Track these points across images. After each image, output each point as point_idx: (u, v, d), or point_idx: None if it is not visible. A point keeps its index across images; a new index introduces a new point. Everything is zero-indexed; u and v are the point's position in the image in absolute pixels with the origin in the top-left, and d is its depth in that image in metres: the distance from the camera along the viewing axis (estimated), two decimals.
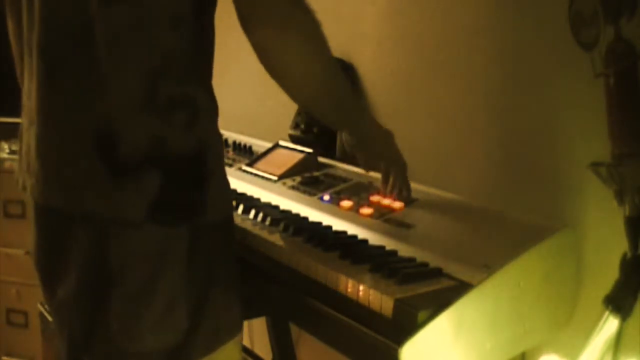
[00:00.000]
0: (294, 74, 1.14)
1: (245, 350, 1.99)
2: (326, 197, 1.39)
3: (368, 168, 1.39)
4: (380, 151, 1.32)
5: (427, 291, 1.01)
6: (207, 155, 1.07)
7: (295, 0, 1.09)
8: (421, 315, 0.94)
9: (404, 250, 1.15)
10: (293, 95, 1.18)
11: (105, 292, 1.05)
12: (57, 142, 1.07)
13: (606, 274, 1.08)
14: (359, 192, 1.39)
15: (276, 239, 1.23)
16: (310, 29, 1.12)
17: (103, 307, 1.05)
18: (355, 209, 1.32)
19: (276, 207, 1.40)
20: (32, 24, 1.07)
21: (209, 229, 1.08)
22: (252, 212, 1.34)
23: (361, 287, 1.02)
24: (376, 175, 1.43)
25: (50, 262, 1.14)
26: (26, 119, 1.13)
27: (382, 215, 1.28)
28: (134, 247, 1.03)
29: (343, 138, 1.40)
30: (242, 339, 1.18)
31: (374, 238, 1.21)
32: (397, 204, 1.30)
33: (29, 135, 1.11)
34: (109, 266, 1.04)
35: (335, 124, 1.33)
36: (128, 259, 1.04)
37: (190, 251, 1.05)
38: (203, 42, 1.06)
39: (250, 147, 1.79)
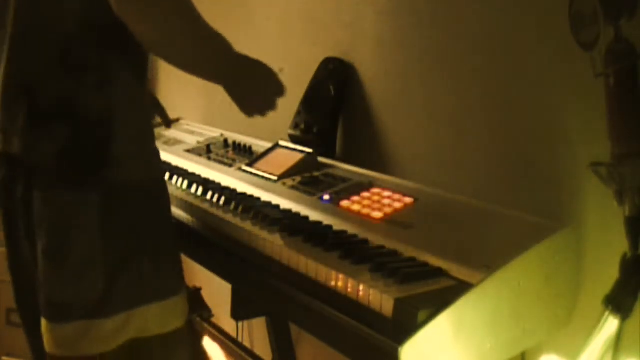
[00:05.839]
0: (161, 45, 1.18)
1: (246, 350, 2.00)
2: (326, 197, 1.39)
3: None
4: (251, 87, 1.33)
5: (427, 291, 1.01)
6: (114, 118, 1.16)
7: None
8: (421, 315, 0.94)
9: (404, 250, 1.15)
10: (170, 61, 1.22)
11: (35, 245, 1.18)
12: None
13: (606, 274, 1.08)
14: (359, 192, 1.39)
15: (276, 239, 1.23)
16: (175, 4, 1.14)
17: (35, 259, 1.19)
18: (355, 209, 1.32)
19: (276, 207, 1.40)
20: None
21: (122, 194, 1.16)
22: (252, 212, 1.34)
23: (361, 287, 1.02)
24: (376, 175, 1.44)
25: (5, 211, 1.27)
26: None
27: (382, 215, 1.27)
28: (45, 209, 1.16)
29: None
30: (177, 305, 1.24)
31: (373, 238, 1.21)
32: (398, 204, 1.29)
33: None
34: (32, 218, 1.18)
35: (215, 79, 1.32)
36: (41, 218, 1.17)
37: (103, 215, 1.14)
38: None
39: (250, 147, 1.79)
